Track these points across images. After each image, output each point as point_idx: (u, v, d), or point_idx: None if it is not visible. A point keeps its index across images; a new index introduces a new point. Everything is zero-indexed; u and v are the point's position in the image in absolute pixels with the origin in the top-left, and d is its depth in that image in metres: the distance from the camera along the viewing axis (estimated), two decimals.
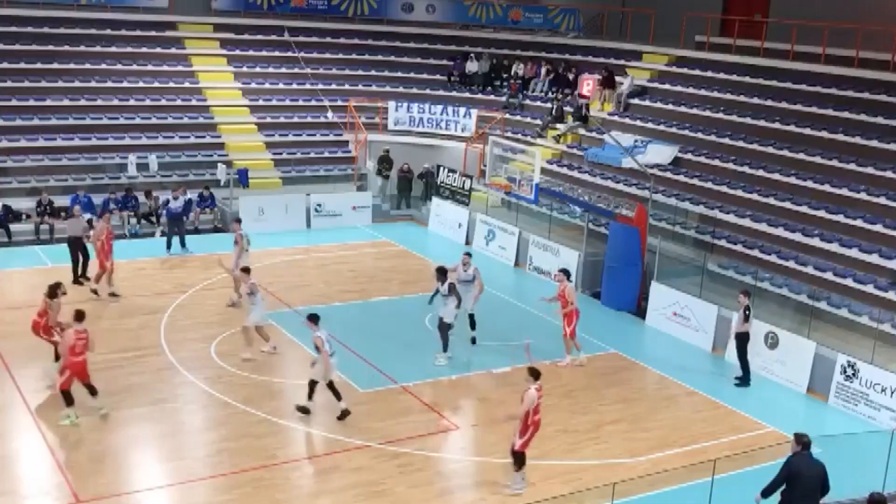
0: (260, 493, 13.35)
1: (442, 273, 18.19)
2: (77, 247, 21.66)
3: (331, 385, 15.48)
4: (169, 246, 24.34)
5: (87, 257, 21.73)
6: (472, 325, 19.14)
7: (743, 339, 18.18)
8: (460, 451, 15.10)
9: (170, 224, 24.56)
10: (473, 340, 19.09)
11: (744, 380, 18.28)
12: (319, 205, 27.88)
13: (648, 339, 20.78)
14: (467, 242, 26.88)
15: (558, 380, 17.77)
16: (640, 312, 21.72)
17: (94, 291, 20.69)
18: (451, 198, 28.20)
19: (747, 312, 18.07)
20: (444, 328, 18.11)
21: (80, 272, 21.65)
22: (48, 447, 14.23)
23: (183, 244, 24.42)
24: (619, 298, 22.18)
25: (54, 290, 16.36)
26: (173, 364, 17.47)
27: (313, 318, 15.52)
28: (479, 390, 17.34)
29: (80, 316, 15.03)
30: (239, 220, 21.52)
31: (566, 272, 18.91)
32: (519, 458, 13.69)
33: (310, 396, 15.57)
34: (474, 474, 14.34)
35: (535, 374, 13.65)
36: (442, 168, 28.91)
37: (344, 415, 15.52)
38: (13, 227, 24.74)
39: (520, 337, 18.93)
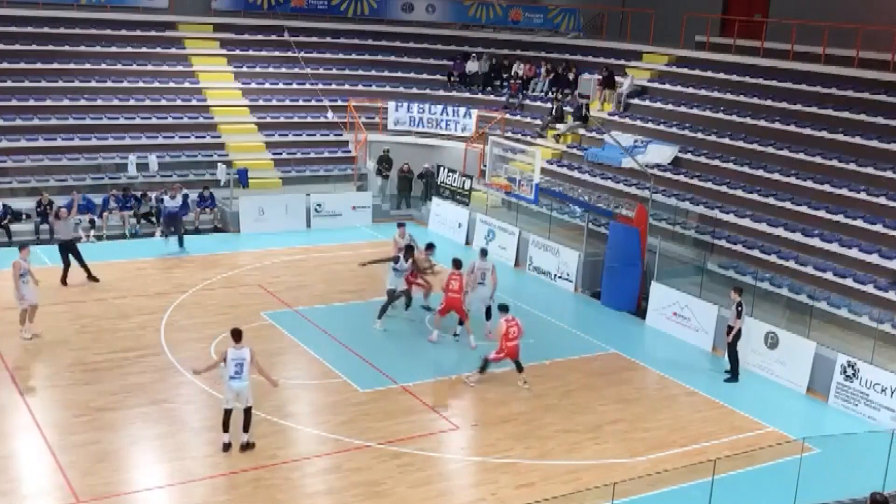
0: (260, 493, 13.35)
1: (410, 250, 20.01)
2: (68, 250, 21.42)
3: (226, 413, 14.30)
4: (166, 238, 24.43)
5: (80, 259, 21.51)
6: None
7: (735, 335, 18.23)
8: (460, 451, 15.10)
9: (167, 223, 24.55)
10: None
11: (733, 375, 18.38)
12: (319, 205, 27.87)
13: (648, 339, 20.78)
14: (467, 242, 26.87)
15: (557, 380, 17.78)
16: (640, 312, 21.72)
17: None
18: (451, 198, 28.19)
19: (739, 308, 18.11)
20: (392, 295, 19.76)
21: (87, 274, 21.54)
22: (48, 447, 14.22)
23: (181, 244, 24.42)
24: (619, 298, 22.18)
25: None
26: (173, 364, 17.48)
27: (234, 334, 14.23)
28: (479, 390, 17.33)
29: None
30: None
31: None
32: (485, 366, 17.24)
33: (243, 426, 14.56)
34: (474, 474, 14.34)
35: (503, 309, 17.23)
36: (442, 168, 28.90)
37: (245, 447, 14.44)
38: (13, 227, 24.72)
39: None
